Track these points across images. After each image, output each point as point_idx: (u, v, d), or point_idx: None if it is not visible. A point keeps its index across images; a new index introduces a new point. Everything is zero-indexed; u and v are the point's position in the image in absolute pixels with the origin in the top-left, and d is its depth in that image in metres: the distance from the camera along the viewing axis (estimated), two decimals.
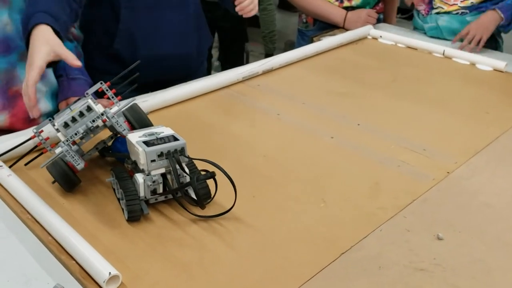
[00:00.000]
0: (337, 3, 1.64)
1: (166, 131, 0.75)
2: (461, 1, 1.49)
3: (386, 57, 1.36)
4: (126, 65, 0.78)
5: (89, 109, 0.74)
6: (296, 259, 0.65)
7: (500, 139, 0.95)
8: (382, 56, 1.37)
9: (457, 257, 0.66)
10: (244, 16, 1.13)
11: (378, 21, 1.70)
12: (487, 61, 1.27)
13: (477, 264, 0.65)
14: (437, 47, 1.36)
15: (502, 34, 1.64)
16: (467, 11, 1.49)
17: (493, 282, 0.62)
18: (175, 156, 0.71)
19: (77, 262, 0.63)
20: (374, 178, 0.83)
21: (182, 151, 0.72)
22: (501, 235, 0.70)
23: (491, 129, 0.98)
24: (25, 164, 0.82)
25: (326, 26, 1.65)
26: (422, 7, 1.56)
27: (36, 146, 0.82)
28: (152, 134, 0.73)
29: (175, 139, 0.73)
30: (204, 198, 0.73)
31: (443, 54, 1.35)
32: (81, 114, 0.74)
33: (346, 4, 1.64)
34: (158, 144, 0.71)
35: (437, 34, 1.52)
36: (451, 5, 1.50)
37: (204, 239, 0.68)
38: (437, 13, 1.52)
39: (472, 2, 1.48)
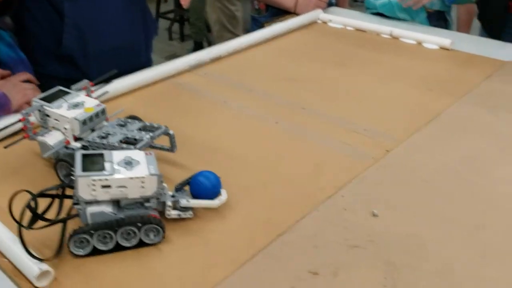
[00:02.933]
0: None
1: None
2: None
3: (335, 41, 1.37)
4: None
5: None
6: (234, 243, 0.65)
7: (441, 116, 0.97)
8: (331, 40, 1.37)
9: (391, 233, 0.67)
10: None
11: (331, 5, 1.70)
12: (433, 40, 1.29)
13: (411, 239, 0.66)
14: (385, 28, 1.37)
15: (452, 13, 1.67)
16: None
17: (426, 256, 0.64)
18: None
19: (9, 260, 0.62)
20: (316, 160, 0.83)
21: None
22: (437, 210, 0.72)
23: (433, 106, 1.00)
24: (5, 147, 0.77)
25: (278, 12, 1.65)
26: None
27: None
28: None
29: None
30: None
31: (391, 35, 1.36)
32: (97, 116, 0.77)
33: None
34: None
35: (389, 10, 1.52)
36: None
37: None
38: None
39: None
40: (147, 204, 0.64)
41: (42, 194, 0.62)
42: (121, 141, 0.74)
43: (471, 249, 0.64)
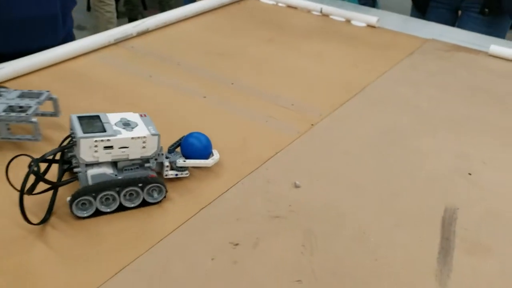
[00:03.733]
0: None
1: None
2: None
3: (267, 17, 1.37)
4: None
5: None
6: (158, 218, 0.65)
7: (364, 91, 1.00)
8: (263, 16, 1.37)
9: (311, 203, 0.69)
10: None
11: None
12: (361, 17, 1.32)
13: (330, 208, 0.68)
14: (315, 5, 1.39)
15: None
16: None
17: (343, 223, 0.66)
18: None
19: None
20: (243, 134, 0.83)
21: None
22: (355, 180, 0.74)
23: (358, 82, 1.03)
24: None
25: None
26: None
27: None
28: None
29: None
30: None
31: (321, 12, 1.37)
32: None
33: None
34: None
35: None
36: None
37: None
38: None
39: None
40: (146, 165, 0.65)
41: (44, 159, 0.61)
42: (4, 111, 0.72)
43: (385, 216, 0.67)
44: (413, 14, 1.68)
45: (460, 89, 1.02)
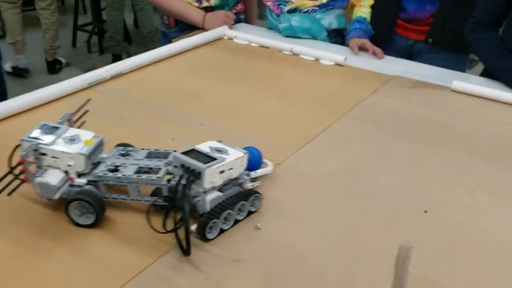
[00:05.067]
0: (196, 3, 1.67)
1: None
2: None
3: (240, 57, 1.41)
4: None
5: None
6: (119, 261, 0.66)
7: (329, 129, 1.03)
8: (236, 56, 1.41)
9: (271, 244, 0.71)
10: None
11: (239, 21, 1.75)
12: (329, 56, 1.37)
13: (291, 249, 0.70)
14: (286, 45, 1.44)
15: None
16: (317, 8, 1.60)
17: (302, 264, 0.68)
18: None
19: None
20: None
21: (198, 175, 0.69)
22: (316, 218, 0.77)
23: (324, 120, 1.06)
24: (9, 194, 0.72)
25: (188, 27, 1.67)
26: (269, 3, 1.64)
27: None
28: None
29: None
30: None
31: (292, 51, 1.42)
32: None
33: (205, 4, 1.67)
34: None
35: (292, 33, 1.60)
36: None
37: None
38: (289, 11, 1.60)
39: (321, 3, 1.58)
40: (240, 181, 0.76)
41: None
42: (136, 173, 0.73)
43: (343, 254, 0.69)
44: None
45: (421, 125, 1.06)
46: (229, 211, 0.71)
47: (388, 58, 1.44)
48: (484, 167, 0.91)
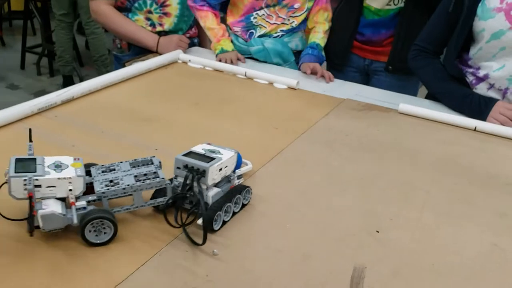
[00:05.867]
0: (149, 28, 1.67)
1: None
2: (280, 23, 1.62)
3: (194, 81, 1.42)
4: None
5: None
6: None
7: (282, 152, 1.05)
8: (190, 80, 1.42)
9: (228, 271, 0.71)
10: None
11: (193, 45, 1.77)
12: (282, 80, 1.40)
13: (246, 275, 0.70)
14: (240, 69, 1.46)
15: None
16: (284, 33, 1.63)
17: None
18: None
19: None
20: None
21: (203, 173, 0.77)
22: (270, 243, 0.77)
23: (277, 143, 1.08)
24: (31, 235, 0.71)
25: (141, 51, 1.67)
26: (238, 28, 1.66)
27: None
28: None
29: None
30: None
31: (245, 75, 1.45)
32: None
33: (158, 28, 1.67)
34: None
35: (264, 56, 1.61)
36: (272, 24, 1.62)
37: None
38: (260, 36, 1.62)
39: (291, 27, 1.62)
40: (231, 178, 0.84)
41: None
42: (137, 181, 0.78)
43: (297, 279, 0.70)
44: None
45: (371, 147, 1.09)
46: (229, 203, 0.80)
47: (339, 82, 1.49)
48: (430, 187, 0.95)
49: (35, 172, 0.71)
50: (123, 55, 1.72)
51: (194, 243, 0.74)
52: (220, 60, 1.56)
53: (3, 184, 0.72)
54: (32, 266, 0.68)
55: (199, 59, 1.52)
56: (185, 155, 0.80)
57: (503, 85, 1.25)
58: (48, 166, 0.73)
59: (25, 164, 0.72)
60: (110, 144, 1.03)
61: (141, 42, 1.65)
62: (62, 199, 0.74)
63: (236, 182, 0.86)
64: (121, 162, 0.82)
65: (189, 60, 1.52)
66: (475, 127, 1.21)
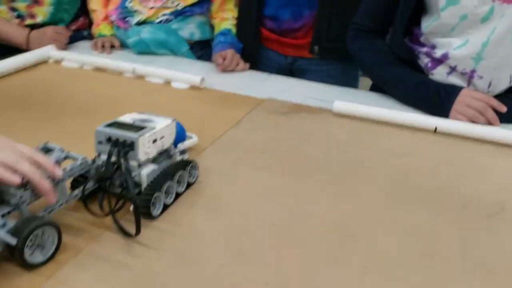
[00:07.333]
0: (17, 20, 1.29)
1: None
2: (160, 6, 1.28)
3: (68, 83, 1.06)
4: None
5: None
6: None
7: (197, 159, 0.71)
8: (64, 82, 1.06)
9: None
10: None
11: (82, 38, 1.40)
12: (183, 77, 1.06)
13: None
14: (128, 65, 1.11)
15: None
16: (172, 17, 1.29)
17: None
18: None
19: None
20: None
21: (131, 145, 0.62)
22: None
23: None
24: None
25: (9, 50, 1.28)
26: (113, 17, 1.31)
27: None
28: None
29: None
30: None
31: (134, 73, 1.10)
32: None
33: (29, 21, 1.30)
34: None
35: (143, 48, 1.28)
36: (151, 8, 1.28)
37: None
38: (138, 23, 1.28)
39: (176, 9, 1.28)
40: (172, 152, 0.69)
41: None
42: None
43: (251, 268, 0.50)
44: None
45: (295, 167, 0.76)
46: (170, 181, 0.64)
47: (261, 76, 1.16)
48: (373, 230, 0.63)
49: None
50: None
51: (126, 234, 0.58)
52: (93, 48, 1.29)
53: None
54: None
55: (77, 56, 1.16)
56: (108, 125, 0.63)
57: (467, 67, 0.94)
58: None
59: None
60: None
61: (7, 39, 1.27)
62: None
63: (179, 158, 0.70)
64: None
65: (63, 59, 1.15)
66: (435, 128, 0.90)
